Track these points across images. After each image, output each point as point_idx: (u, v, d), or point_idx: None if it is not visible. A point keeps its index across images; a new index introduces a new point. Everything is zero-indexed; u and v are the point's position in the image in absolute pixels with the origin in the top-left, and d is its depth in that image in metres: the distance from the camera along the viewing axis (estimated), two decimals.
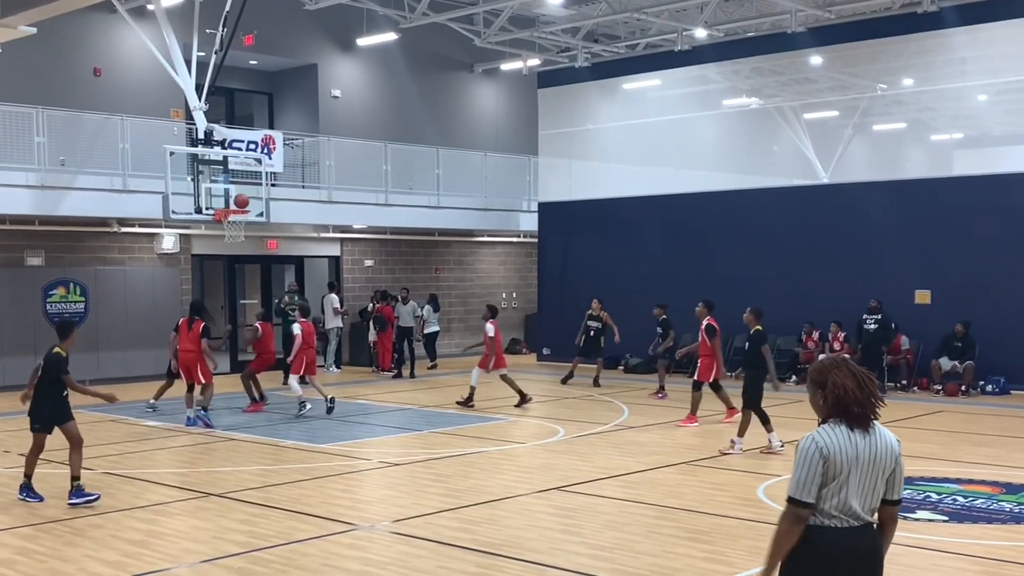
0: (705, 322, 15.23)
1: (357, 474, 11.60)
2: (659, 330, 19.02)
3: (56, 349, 10.52)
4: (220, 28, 17.93)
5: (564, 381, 20.36)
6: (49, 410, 10.30)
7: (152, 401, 16.75)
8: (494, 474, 11.43)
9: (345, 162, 23.74)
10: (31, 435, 10.37)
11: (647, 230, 23.89)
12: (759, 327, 13.20)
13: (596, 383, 19.96)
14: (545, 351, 25.91)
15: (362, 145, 24.43)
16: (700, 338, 15.41)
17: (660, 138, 24.89)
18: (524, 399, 17.19)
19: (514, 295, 29.27)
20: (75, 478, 10.03)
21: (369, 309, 23.52)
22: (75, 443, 10.23)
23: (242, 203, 17.82)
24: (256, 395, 17.04)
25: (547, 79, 26.69)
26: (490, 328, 17.29)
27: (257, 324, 17.68)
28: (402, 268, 26.55)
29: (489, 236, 28.35)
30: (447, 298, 27.38)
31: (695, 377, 15.34)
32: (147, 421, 15.75)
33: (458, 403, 17.28)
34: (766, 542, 8.20)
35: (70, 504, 9.81)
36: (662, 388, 18.60)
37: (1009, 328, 18.56)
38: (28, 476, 10.34)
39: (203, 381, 15.39)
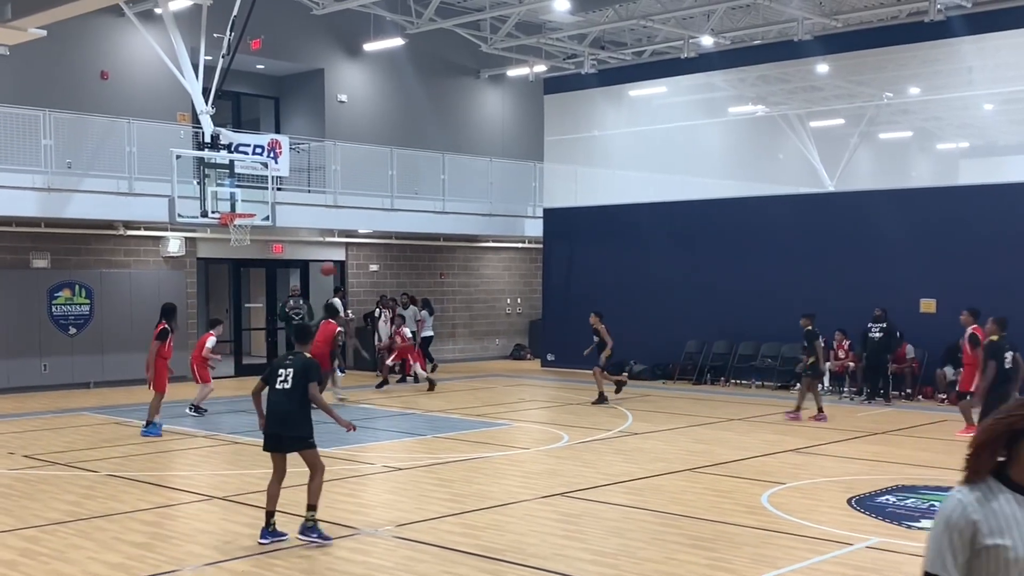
0: (969, 331, 14.75)
1: (361, 478, 11.60)
2: (804, 344, 16.97)
3: (307, 354, 8.85)
4: (227, 32, 17.96)
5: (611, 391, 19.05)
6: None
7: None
8: (498, 479, 11.42)
9: (351, 167, 23.76)
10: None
11: (652, 237, 23.88)
12: (994, 337, 12.63)
13: (617, 388, 19.12)
14: (549, 357, 25.91)
15: (368, 150, 24.46)
16: (963, 347, 14.87)
17: (666, 145, 24.89)
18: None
19: (519, 301, 29.28)
20: (311, 507, 8.53)
21: (376, 315, 23.48)
22: (315, 468, 8.63)
23: (328, 271, 18.32)
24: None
25: (553, 85, 26.72)
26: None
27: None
28: (407, 273, 26.57)
29: (494, 242, 28.37)
30: (451, 303, 27.40)
31: (959, 388, 14.91)
32: None
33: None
34: (769, 549, 8.22)
35: (299, 538, 8.47)
36: (798, 409, 16.41)
37: (1014, 337, 18.48)
38: (271, 514, 8.62)
39: (153, 389, 14.52)
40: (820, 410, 16.29)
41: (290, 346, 21.27)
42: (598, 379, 18.56)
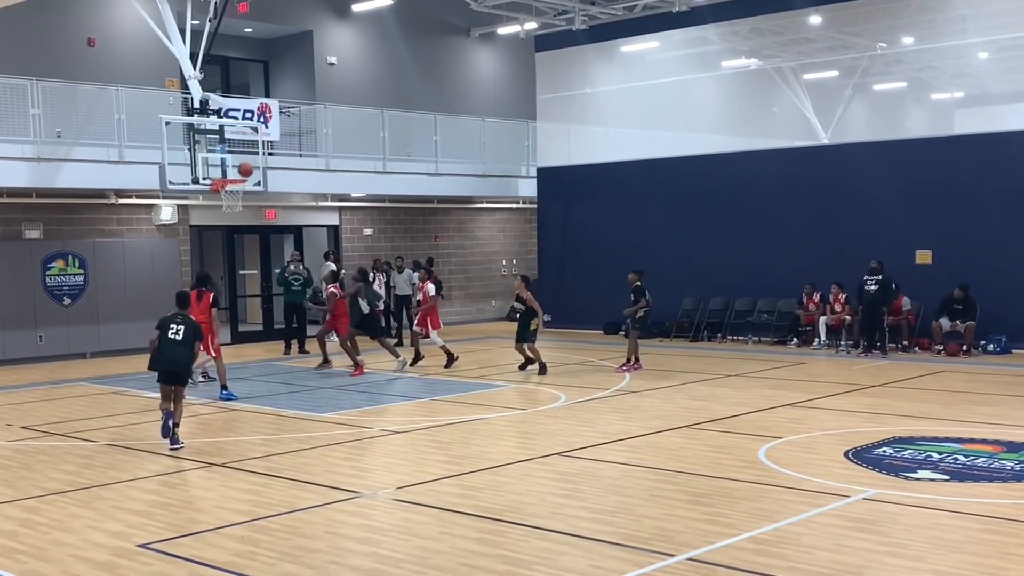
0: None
1: (359, 442, 11.62)
2: (632, 297, 17.09)
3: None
4: None
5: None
6: None
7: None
8: (496, 441, 11.44)
9: (342, 130, 23.62)
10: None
11: (647, 194, 23.81)
12: (638, 283, 12.78)
13: (524, 367, 17.24)
14: (546, 317, 25.82)
15: (359, 112, 24.30)
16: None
17: (659, 101, 24.73)
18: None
19: (514, 261, 29.22)
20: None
21: (370, 278, 23.38)
22: None
23: (246, 171, 17.76)
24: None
25: (544, 42, 26.49)
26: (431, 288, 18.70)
27: None
28: (401, 236, 26.49)
29: (488, 203, 28.26)
30: (447, 266, 27.34)
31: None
32: (149, 393, 15.73)
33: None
34: (767, 503, 8.25)
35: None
36: (630, 360, 17.10)
37: (1010, 287, 18.52)
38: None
39: (213, 355, 15.22)
40: (636, 359, 17.17)
41: (288, 313, 21.36)
42: (524, 351, 17.14)
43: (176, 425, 11.30)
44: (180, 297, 12.19)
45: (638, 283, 17.20)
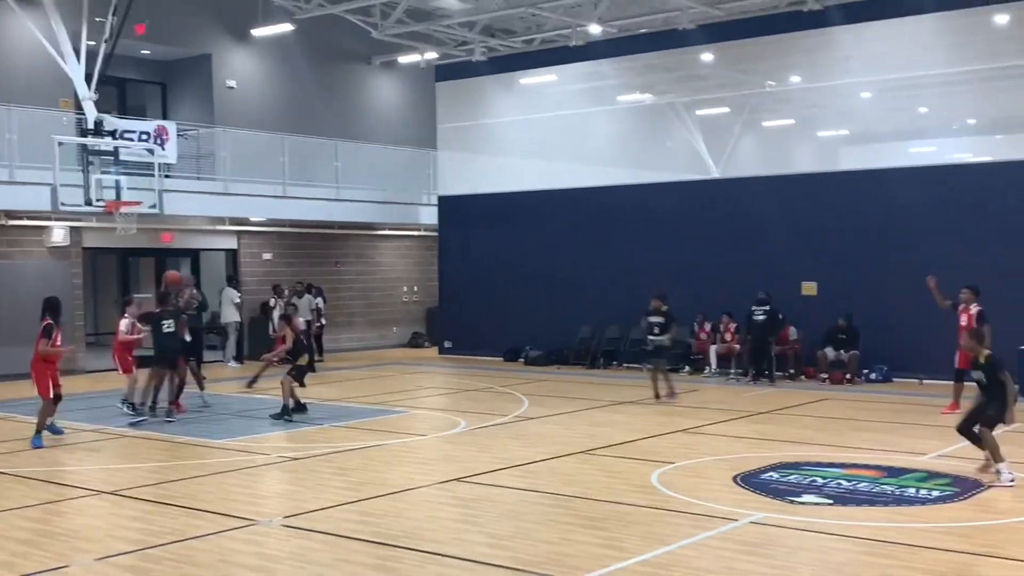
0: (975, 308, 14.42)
1: (255, 469, 11.52)
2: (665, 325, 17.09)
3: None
4: (110, 16, 17.54)
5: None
6: None
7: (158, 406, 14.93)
8: (395, 466, 11.47)
9: (242, 154, 23.42)
10: None
11: (547, 223, 24.11)
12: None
13: (295, 407, 15.04)
14: (447, 344, 25.97)
15: (259, 137, 24.13)
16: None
17: (557, 132, 25.10)
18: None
19: (415, 289, 29.26)
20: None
21: (271, 304, 23.16)
22: None
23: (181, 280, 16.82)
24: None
25: (445, 72, 26.70)
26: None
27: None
28: (301, 261, 26.30)
29: (390, 230, 28.26)
30: (347, 292, 27.23)
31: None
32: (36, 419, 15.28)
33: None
34: (659, 527, 8.48)
35: None
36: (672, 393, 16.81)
37: (892, 318, 19.25)
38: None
39: (39, 394, 13.10)
40: (671, 390, 16.74)
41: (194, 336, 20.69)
42: (284, 390, 14.98)
43: (180, 392, 15.36)
44: (162, 296, 15.27)
45: (665, 307, 16.82)
